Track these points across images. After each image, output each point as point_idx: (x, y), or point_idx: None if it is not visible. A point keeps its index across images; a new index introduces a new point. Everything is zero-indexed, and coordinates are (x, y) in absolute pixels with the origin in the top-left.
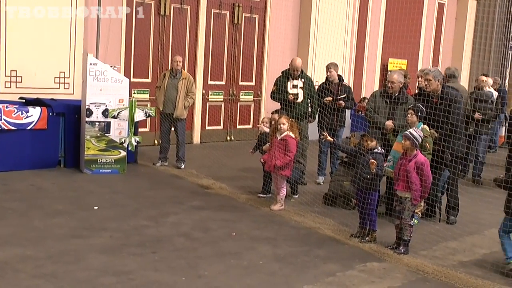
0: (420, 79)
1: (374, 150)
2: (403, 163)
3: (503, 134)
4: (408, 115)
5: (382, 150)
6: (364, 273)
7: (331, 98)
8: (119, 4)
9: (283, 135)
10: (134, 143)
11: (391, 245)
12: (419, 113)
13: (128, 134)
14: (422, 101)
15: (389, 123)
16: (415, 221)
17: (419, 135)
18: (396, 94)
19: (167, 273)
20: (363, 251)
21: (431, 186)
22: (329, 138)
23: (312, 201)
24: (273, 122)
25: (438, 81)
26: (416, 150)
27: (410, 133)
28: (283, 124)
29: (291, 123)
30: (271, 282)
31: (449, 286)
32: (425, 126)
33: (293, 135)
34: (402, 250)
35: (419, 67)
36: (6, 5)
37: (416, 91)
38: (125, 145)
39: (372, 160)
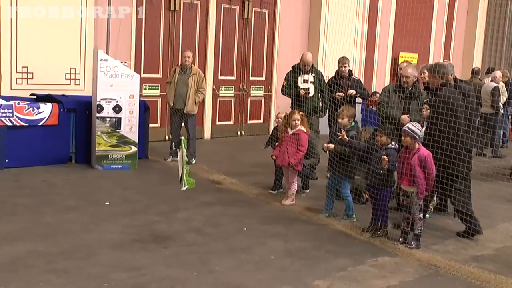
0: (422, 75)
1: (388, 146)
2: (406, 158)
3: None
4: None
5: (396, 145)
6: (375, 267)
7: (343, 94)
8: (127, 3)
9: (295, 129)
10: (184, 187)
11: (398, 238)
12: None
13: (182, 173)
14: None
15: (405, 117)
16: (427, 215)
17: (418, 129)
18: (410, 89)
19: (179, 269)
20: (375, 245)
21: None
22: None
23: (323, 196)
24: (281, 117)
25: (451, 75)
26: (418, 144)
27: (409, 128)
28: (297, 120)
29: (302, 117)
30: (282, 277)
31: (461, 281)
32: None
33: (304, 129)
34: (414, 245)
35: (430, 61)
36: (17, 5)
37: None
38: (180, 182)
39: (384, 157)
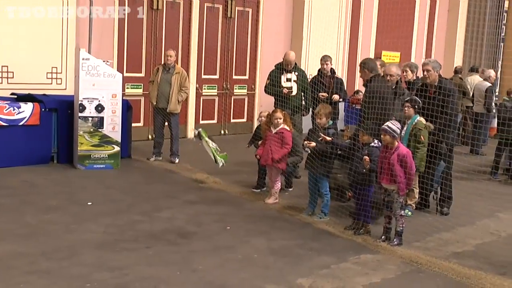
0: (405, 73)
1: (371, 144)
2: (386, 156)
3: (494, 125)
4: (405, 108)
5: (379, 143)
6: (358, 265)
7: (327, 95)
8: (111, 2)
9: (278, 128)
10: (220, 164)
11: (380, 236)
12: (416, 106)
13: (213, 155)
14: (415, 94)
15: None
16: (409, 212)
17: (397, 127)
18: (393, 88)
19: (162, 268)
20: (357, 243)
21: (425, 178)
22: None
23: (306, 194)
24: (264, 116)
25: (437, 72)
26: (397, 142)
27: (388, 126)
28: (280, 118)
29: (284, 116)
30: (266, 275)
31: (443, 277)
32: (421, 119)
33: (287, 128)
34: (396, 242)
35: (413, 59)
36: None
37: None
38: (213, 159)
39: (365, 157)
